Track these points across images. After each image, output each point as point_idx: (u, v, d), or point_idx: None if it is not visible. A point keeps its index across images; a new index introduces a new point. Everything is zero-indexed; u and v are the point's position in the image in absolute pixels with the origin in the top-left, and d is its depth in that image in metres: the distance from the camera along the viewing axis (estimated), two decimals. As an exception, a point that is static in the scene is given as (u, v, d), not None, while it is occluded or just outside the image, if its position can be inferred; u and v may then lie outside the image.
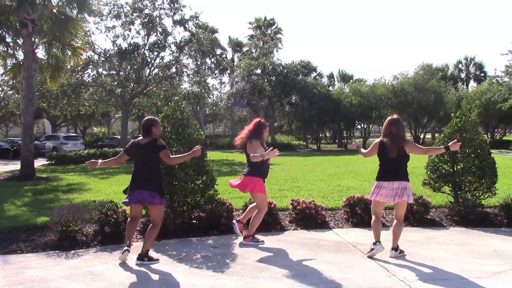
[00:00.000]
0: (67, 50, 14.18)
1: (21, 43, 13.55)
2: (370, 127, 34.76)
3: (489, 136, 33.97)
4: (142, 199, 4.66)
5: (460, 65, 50.44)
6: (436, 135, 39.81)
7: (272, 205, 6.18)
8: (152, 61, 25.86)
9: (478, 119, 30.24)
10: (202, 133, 6.13)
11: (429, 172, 6.71)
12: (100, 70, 25.53)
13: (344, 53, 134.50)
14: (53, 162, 18.99)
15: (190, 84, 29.73)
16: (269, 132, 5.54)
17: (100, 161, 4.95)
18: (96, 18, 23.55)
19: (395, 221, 4.94)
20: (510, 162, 16.76)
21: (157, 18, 24.93)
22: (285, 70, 34.24)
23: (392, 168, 4.88)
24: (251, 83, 33.93)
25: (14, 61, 14.39)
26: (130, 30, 25.11)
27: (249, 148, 5.33)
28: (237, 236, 5.79)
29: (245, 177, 5.35)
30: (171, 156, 4.81)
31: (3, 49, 14.25)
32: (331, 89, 38.61)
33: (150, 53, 25.69)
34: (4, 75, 16.39)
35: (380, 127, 36.01)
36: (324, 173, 13.34)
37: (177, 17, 25.46)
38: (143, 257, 4.63)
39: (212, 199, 6.02)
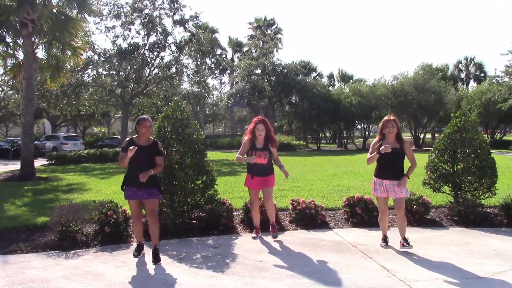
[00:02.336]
0: (67, 50, 14.18)
1: (21, 43, 13.55)
2: (370, 127, 34.74)
3: (489, 136, 33.95)
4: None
5: (460, 65, 50.42)
6: (436, 135, 39.78)
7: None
8: (152, 61, 25.84)
9: (478, 119, 30.21)
10: (202, 133, 6.13)
11: (429, 172, 6.71)
12: (100, 70, 25.49)
13: (344, 53, 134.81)
14: (53, 162, 18.99)
15: (190, 84, 29.74)
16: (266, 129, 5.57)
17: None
18: (96, 18, 23.51)
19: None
20: (510, 162, 16.75)
21: (157, 18, 24.91)
22: (285, 70, 34.24)
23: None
24: (251, 83, 33.92)
25: (14, 61, 14.39)
26: (130, 30, 25.08)
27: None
28: (237, 236, 5.80)
29: None
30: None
31: (3, 49, 14.25)
32: (331, 89, 38.60)
33: (150, 53, 25.67)
34: (4, 75, 16.38)
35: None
36: (324, 173, 13.34)
37: (177, 17, 25.45)
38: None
39: (212, 199, 6.02)
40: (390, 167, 5.09)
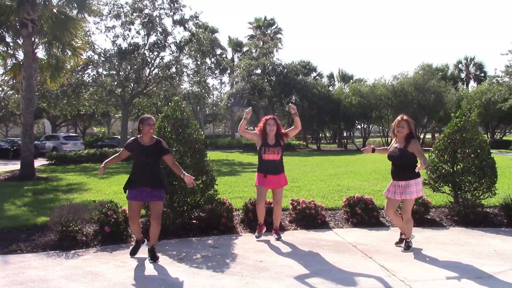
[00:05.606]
0: (67, 50, 14.18)
1: (21, 43, 13.54)
2: (370, 127, 34.74)
3: (489, 136, 33.95)
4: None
5: (460, 65, 50.46)
6: (436, 135, 39.78)
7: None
8: (152, 61, 25.90)
9: (478, 119, 30.22)
10: (202, 133, 6.13)
11: (429, 172, 6.71)
12: (100, 70, 25.57)
13: (344, 53, 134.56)
14: (53, 162, 18.97)
15: (190, 84, 29.81)
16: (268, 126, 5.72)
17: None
18: (96, 18, 23.61)
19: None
20: (510, 162, 16.75)
21: (157, 18, 24.97)
22: (285, 70, 34.25)
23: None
24: (251, 83, 33.93)
25: (14, 61, 14.39)
26: (130, 30, 25.16)
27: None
28: (237, 236, 5.80)
29: None
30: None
31: (3, 49, 14.25)
32: (331, 89, 38.61)
33: (150, 53, 25.73)
34: (4, 75, 16.38)
35: (380, 127, 35.90)
36: (324, 173, 13.33)
37: (177, 17, 25.55)
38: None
39: (212, 199, 6.02)
40: (394, 167, 5.25)
